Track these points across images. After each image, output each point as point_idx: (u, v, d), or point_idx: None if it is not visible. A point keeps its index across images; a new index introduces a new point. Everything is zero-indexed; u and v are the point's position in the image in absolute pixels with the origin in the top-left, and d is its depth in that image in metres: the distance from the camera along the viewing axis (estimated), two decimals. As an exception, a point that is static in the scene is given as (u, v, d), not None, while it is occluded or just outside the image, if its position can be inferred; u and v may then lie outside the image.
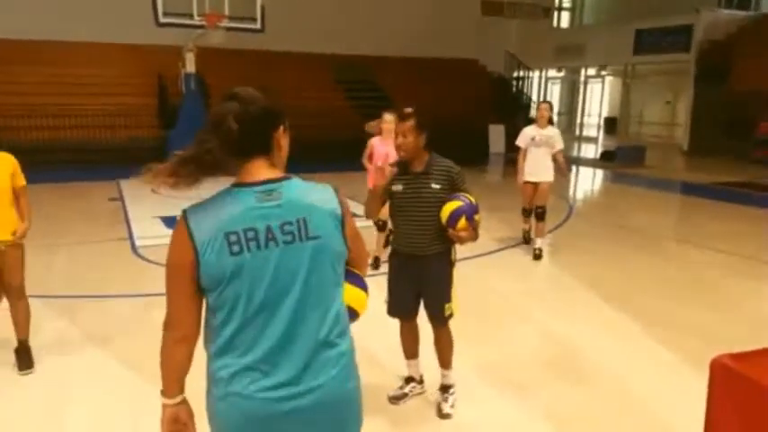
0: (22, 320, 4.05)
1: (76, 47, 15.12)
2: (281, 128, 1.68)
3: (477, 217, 3.28)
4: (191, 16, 10.26)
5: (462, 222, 3.24)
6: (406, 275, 3.45)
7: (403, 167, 3.37)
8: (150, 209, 8.58)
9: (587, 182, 14.79)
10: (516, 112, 19.80)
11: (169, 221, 8.20)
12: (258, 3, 10.85)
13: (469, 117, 17.27)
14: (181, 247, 1.59)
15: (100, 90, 14.39)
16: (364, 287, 1.90)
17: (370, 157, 6.16)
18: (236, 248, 1.57)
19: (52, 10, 15.15)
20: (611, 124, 25.93)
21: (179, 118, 12.70)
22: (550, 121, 6.97)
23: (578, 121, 25.83)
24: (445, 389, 3.63)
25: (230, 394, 1.62)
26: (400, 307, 3.54)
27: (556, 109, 27.67)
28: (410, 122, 3.28)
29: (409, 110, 3.36)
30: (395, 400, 3.68)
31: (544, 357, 4.30)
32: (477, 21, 20.58)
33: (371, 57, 18.26)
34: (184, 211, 1.63)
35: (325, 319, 1.67)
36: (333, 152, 11.58)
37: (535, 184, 6.99)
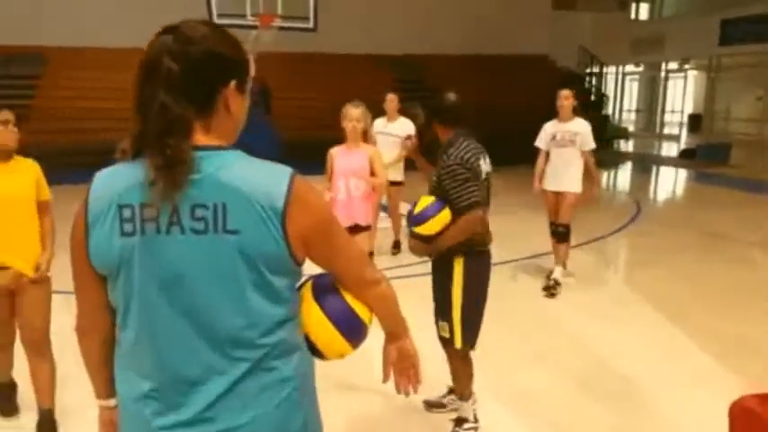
0: (45, 384, 3.05)
1: (127, 52, 15.60)
2: (234, 84, 1.28)
3: (418, 229, 2.91)
4: (244, 17, 10.31)
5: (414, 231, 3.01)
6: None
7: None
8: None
9: (661, 180, 13.86)
10: (588, 108, 18.91)
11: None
12: (311, 1, 10.75)
13: (536, 114, 16.48)
14: (77, 219, 1.30)
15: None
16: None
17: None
18: (127, 227, 1.23)
19: (107, 16, 15.68)
20: (695, 122, 24.35)
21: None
22: (576, 112, 5.35)
23: (658, 118, 24.47)
24: (459, 423, 3.15)
25: (128, 422, 1.34)
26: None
27: (633, 105, 26.52)
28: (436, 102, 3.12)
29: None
30: (429, 406, 3.35)
31: (593, 393, 3.73)
32: (547, 15, 19.83)
33: (430, 55, 17.88)
34: (95, 174, 1.31)
35: (251, 337, 1.28)
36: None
37: (557, 194, 5.49)
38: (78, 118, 13.66)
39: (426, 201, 2.92)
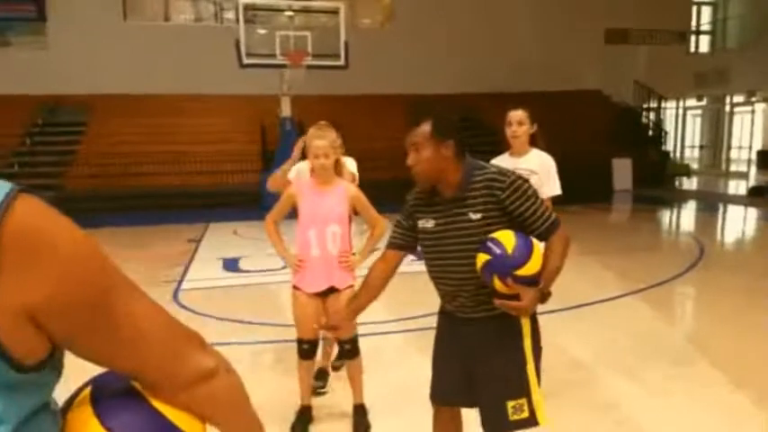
0: None
1: (183, 99, 15.80)
2: None
3: (521, 272, 2.13)
4: (273, 56, 10.09)
5: (497, 284, 2.16)
6: (454, 345, 2.41)
7: (429, 193, 2.35)
8: (220, 250, 8.31)
9: (728, 219, 12.66)
10: (645, 145, 17.90)
11: (229, 263, 7.82)
12: (342, 39, 10.45)
13: (590, 152, 15.73)
14: None
15: (209, 138, 14.82)
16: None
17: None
18: None
19: (147, 64, 16.08)
20: (764, 158, 22.74)
21: (275, 160, 12.63)
22: (534, 142, 3.71)
23: (724, 155, 22.99)
24: None
25: None
26: (443, 389, 2.46)
27: (696, 141, 25.08)
28: (423, 128, 2.23)
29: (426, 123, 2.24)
30: None
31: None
32: (599, 49, 19.08)
33: (479, 94, 17.34)
34: None
35: None
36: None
37: None
38: (122, 163, 13.78)
39: (506, 235, 2.18)
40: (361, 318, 3.37)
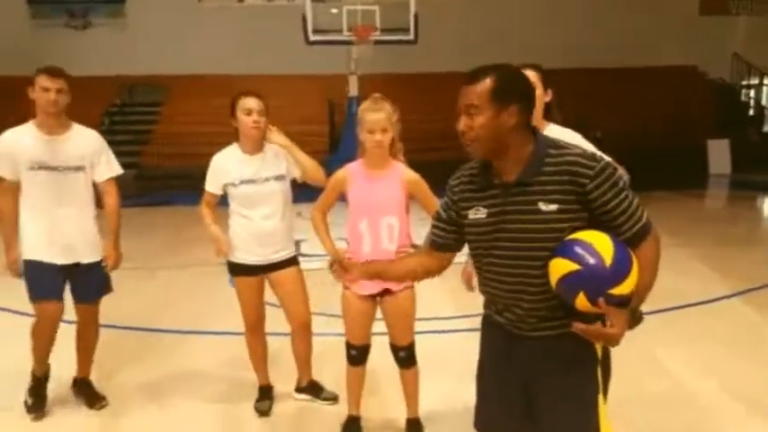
0: None
1: (255, 80, 15.73)
2: None
3: (618, 290, 1.61)
4: (340, 32, 9.72)
5: (582, 301, 1.64)
6: (503, 367, 1.90)
7: (484, 175, 1.84)
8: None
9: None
10: (745, 124, 16.43)
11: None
12: (411, 11, 9.93)
13: (682, 132, 14.57)
14: None
15: (278, 119, 14.69)
16: None
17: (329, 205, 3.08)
18: None
19: (221, 45, 16.08)
20: None
21: (342, 141, 12.35)
22: (548, 115, 2.72)
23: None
24: None
25: None
26: (491, 417, 1.98)
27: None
28: (481, 86, 1.70)
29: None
30: None
31: None
32: (694, 21, 17.64)
33: (568, 69, 16.34)
34: None
35: None
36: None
37: None
38: (195, 143, 13.90)
39: (599, 239, 1.66)
40: (420, 312, 2.95)
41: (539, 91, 2.55)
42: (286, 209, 3.25)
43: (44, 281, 3.10)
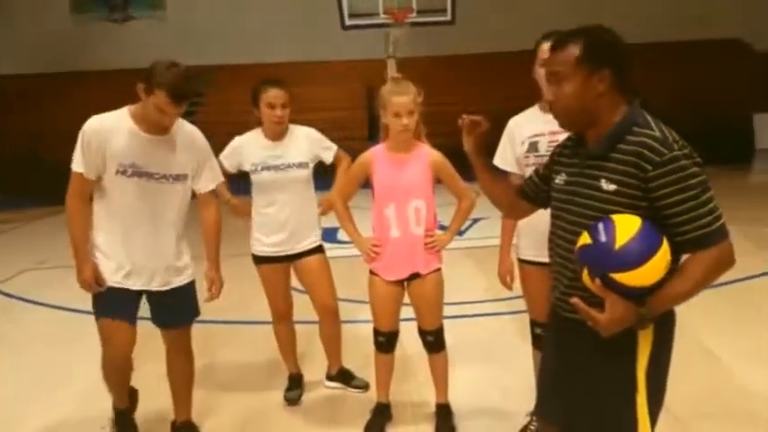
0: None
1: (293, 67, 15.88)
2: None
3: (621, 277, 1.55)
4: (376, 15, 9.76)
5: (586, 277, 1.63)
6: (551, 349, 1.93)
7: (576, 141, 1.81)
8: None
9: None
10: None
11: (327, 234, 7.54)
12: (448, -10, 9.91)
13: (727, 106, 14.17)
14: None
15: (316, 105, 14.85)
16: None
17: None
18: None
19: (263, 34, 16.18)
20: None
21: (381, 126, 12.41)
22: None
23: None
24: None
25: None
26: (541, 404, 2.02)
27: None
28: (570, 51, 1.65)
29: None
30: None
31: None
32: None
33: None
34: None
35: None
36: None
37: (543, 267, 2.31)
38: (239, 132, 14.15)
39: (629, 223, 1.58)
40: (448, 296, 2.97)
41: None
42: (308, 196, 3.29)
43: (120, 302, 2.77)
